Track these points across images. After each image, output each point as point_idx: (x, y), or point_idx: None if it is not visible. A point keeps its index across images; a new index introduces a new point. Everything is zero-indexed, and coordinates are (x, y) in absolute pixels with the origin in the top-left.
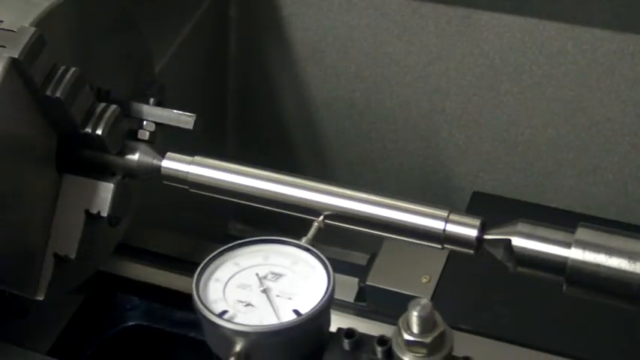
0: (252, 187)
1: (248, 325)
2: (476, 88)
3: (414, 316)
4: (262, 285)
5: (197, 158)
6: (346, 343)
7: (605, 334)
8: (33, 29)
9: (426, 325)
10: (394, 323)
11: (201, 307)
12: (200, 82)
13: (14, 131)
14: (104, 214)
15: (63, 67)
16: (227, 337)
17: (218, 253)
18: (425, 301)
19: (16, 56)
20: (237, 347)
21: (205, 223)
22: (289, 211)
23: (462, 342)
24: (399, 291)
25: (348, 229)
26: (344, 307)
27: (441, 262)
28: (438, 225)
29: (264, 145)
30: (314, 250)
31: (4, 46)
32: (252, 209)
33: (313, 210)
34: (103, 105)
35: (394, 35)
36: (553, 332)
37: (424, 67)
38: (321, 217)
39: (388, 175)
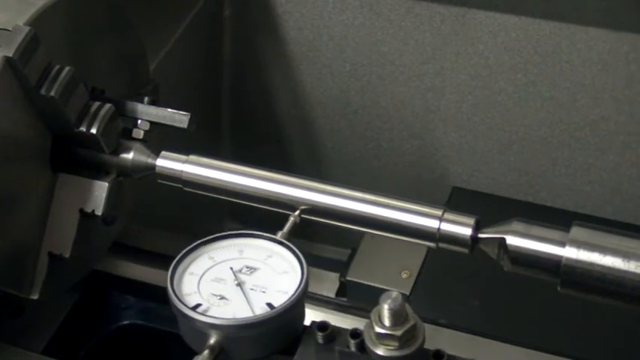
0: (247, 186)
1: (221, 318)
2: (470, 87)
3: (385, 309)
4: (237, 279)
5: (191, 157)
6: (319, 337)
7: (576, 328)
8: (27, 28)
9: (398, 317)
10: (369, 317)
11: (175, 300)
12: (194, 81)
13: (8, 130)
14: (99, 212)
15: (57, 66)
16: (201, 330)
17: (193, 246)
18: (396, 293)
19: (11, 55)
20: (211, 340)
21: (200, 221)
22: (283, 209)
23: (440, 336)
24: (379, 286)
25: (342, 227)
26: (324, 302)
27: (421, 258)
28: (432, 224)
29: (258, 144)
30: (288, 244)
31: None
32: (247, 208)
33: (307, 209)
34: (97, 104)
35: (389, 34)
36: (527, 326)
37: (419, 66)
38: (297, 212)
39: (383, 173)
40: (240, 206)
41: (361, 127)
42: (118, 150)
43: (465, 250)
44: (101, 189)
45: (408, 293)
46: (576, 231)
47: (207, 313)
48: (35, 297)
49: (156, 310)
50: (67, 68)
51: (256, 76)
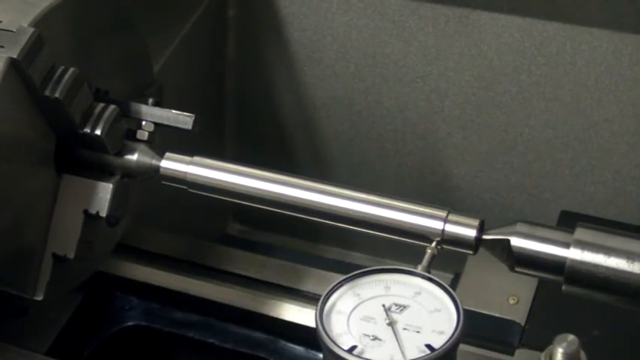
0: (251, 187)
1: None
2: (474, 88)
3: (560, 352)
4: (388, 317)
5: (196, 158)
6: None
7: None
8: (32, 29)
9: None
10: (481, 345)
11: (328, 341)
12: (199, 82)
13: (13, 131)
14: (103, 214)
15: (61, 67)
16: None
17: (337, 284)
18: (572, 337)
19: (15, 56)
20: None
21: (204, 223)
22: (287, 211)
23: None
24: (488, 313)
25: (345, 229)
26: None
27: (527, 283)
28: (436, 225)
29: (262, 145)
30: (438, 280)
31: (2, 47)
32: (251, 209)
33: (311, 210)
34: (101, 105)
35: (393, 35)
36: None
37: (422, 67)
38: (434, 244)
39: (386, 175)
40: (244, 208)
41: (365, 128)
42: (122, 151)
43: (470, 252)
44: (105, 190)
45: (521, 322)
46: (580, 232)
47: (364, 356)
48: (39, 298)
49: (160, 312)
50: (71, 69)
51: (260, 77)
